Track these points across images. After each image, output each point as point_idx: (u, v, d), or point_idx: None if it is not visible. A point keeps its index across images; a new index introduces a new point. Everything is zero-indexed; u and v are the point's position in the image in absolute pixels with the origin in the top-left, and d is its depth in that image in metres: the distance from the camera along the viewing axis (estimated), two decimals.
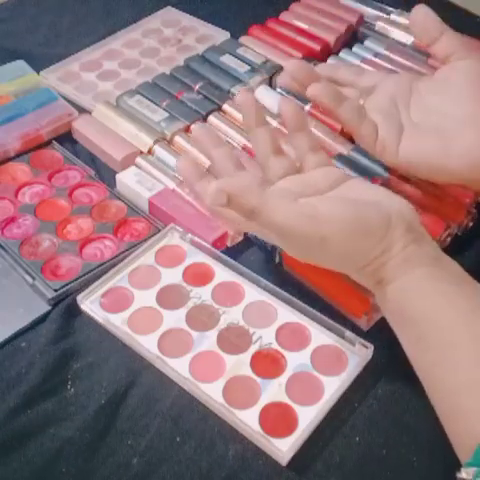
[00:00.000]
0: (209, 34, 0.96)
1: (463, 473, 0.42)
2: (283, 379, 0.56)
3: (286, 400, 0.55)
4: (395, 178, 0.69)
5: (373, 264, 0.51)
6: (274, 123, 0.79)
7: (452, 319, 0.48)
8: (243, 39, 0.94)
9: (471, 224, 0.69)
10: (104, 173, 0.77)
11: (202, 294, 0.63)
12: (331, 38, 0.94)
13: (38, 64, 0.89)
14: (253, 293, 0.63)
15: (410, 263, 0.50)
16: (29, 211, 0.71)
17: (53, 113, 0.81)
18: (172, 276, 0.64)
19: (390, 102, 0.60)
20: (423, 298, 0.49)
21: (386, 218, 0.50)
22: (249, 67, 0.87)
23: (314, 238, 0.49)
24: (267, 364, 0.57)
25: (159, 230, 0.68)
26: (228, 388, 0.55)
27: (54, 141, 0.79)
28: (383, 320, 0.61)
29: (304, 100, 0.83)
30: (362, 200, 0.52)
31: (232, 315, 0.61)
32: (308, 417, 0.53)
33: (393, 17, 0.96)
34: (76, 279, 0.63)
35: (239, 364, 0.57)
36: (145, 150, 0.77)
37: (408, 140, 0.58)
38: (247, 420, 0.53)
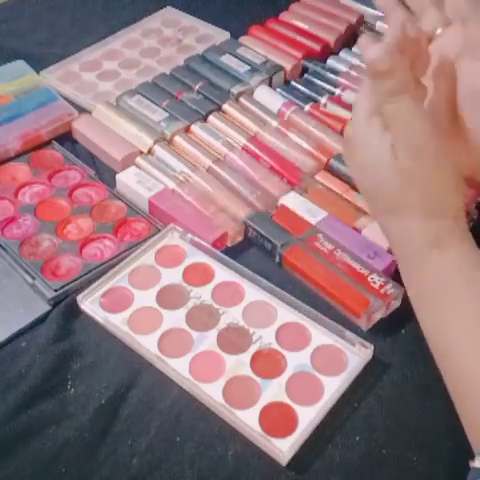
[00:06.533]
0: (209, 34, 0.96)
1: (477, 462, 0.42)
2: (283, 379, 0.56)
3: (286, 400, 0.55)
4: None
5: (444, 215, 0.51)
6: (274, 123, 0.80)
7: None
8: (243, 39, 0.94)
9: (471, 224, 0.68)
10: (104, 173, 0.76)
11: (202, 294, 0.63)
12: (331, 38, 0.94)
13: (38, 64, 0.89)
14: (253, 293, 0.63)
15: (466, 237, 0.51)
16: (29, 211, 0.70)
17: (53, 113, 0.81)
18: (172, 276, 0.64)
19: None
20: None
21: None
22: (249, 67, 0.87)
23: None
24: (267, 364, 0.57)
25: (159, 230, 0.68)
26: (228, 388, 0.55)
27: (54, 141, 0.79)
28: (383, 320, 0.61)
29: (304, 100, 0.83)
30: None
31: (232, 315, 0.61)
32: (308, 417, 0.53)
33: None
34: (76, 279, 0.63)
35: (239, 364, 0.57)
36: (145, 150, 0.77)
37: None
38: (247, 420, 0.53)
